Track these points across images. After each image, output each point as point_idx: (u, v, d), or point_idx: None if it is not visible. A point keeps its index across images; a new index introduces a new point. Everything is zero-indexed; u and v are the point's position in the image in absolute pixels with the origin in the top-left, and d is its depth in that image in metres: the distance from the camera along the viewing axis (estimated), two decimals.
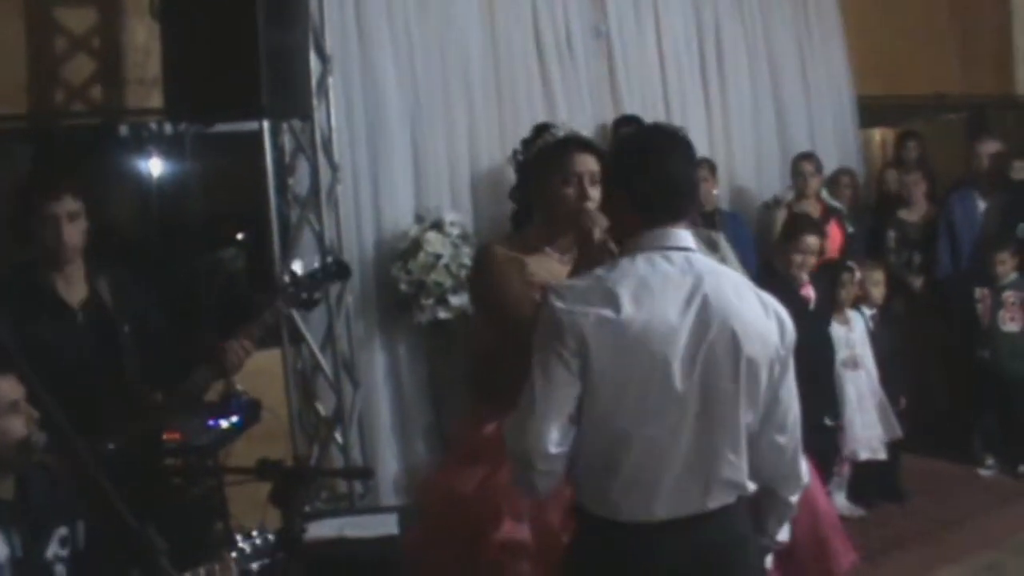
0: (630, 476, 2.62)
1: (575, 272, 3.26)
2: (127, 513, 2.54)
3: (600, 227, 3.25)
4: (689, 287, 2.62)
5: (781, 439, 2.77)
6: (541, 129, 3.88)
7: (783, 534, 2.96)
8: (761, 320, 2.69)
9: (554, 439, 2.59)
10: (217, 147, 6.09)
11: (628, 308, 2.56)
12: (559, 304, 2.60)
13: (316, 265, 4.06)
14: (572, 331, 2.57)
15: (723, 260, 3.80)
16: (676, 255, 2.68)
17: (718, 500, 2.69)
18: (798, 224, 6.36)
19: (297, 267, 4.08)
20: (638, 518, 2.65)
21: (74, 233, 3.87)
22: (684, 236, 2.73)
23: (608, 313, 2.56)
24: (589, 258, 3.22)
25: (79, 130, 5.81)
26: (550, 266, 3.57)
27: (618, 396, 2.58)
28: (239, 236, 6.83)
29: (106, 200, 6.21)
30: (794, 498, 2.89)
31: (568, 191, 3.50)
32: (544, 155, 3.63)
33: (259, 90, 4.82)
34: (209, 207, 6.53)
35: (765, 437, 2.75)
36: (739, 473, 2.71)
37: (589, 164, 3.51)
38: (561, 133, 3.66)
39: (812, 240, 6.19)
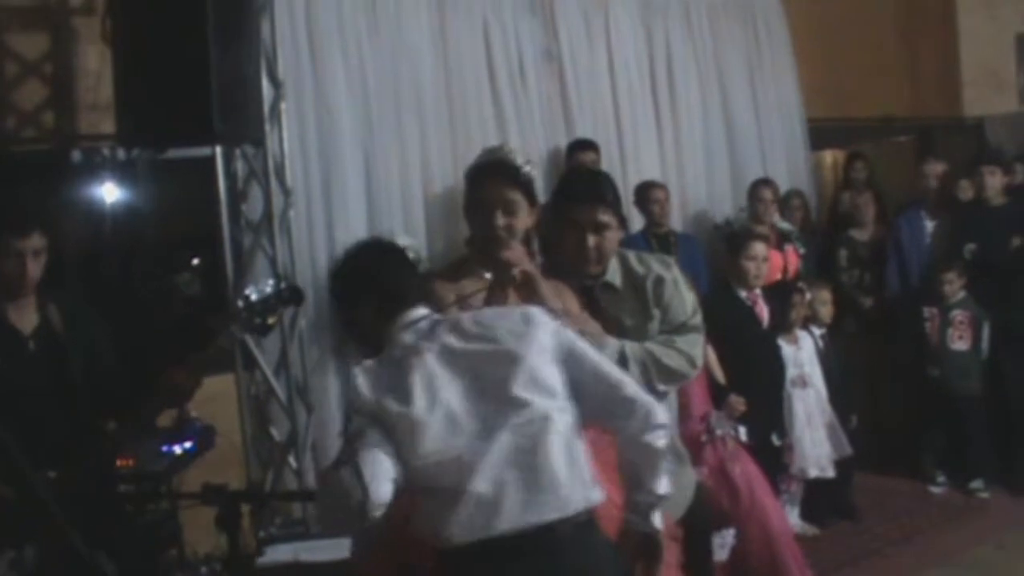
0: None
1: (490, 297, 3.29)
2: (77, 539, 2.54)
3: (515, 259, 3.30)
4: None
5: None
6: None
7: (663, 486, 2.96)
8: None
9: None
10: (170, 173, 6.07)
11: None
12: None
13: (269, 290, 4.05)
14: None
15: (675, 281, 3.81)
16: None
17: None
18: (743, 235, 6.44)
19: (251, 292, 4.08)
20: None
21: (37, 268, 3.91)
22: (419, 309, 2.99)
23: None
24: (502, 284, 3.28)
25: (31, 156, 5.79)
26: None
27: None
28: (194, 261, 6.81)
29: (59, 226, 6.18)
30: (652, 439, 2.91)
31: (479, 218, 3.48)
32: (466, 180, 3.63)
33: (211, 116, 4.82)
34: (163, 233, 6.50)
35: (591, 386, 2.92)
36: None
37: (500, 192, 3.44)
38: (499, 155, 3.62)
39: (760, 247, 6.27)
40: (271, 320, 4.14)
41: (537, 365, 2.84)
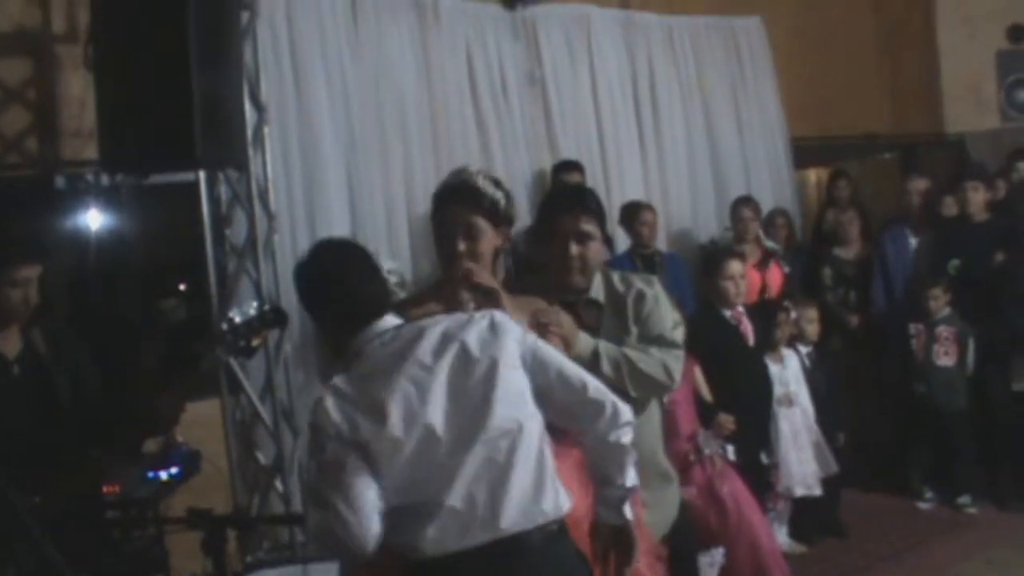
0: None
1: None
2: (60, 564, 2.54)
3: (475, 278, 3.30)
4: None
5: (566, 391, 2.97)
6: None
7: (631, 478, 3.01)
8: None
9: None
10: (154, 198, 6.09)
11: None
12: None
13: (253, 312, 4.05)
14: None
15: (656, 297, 3.81)
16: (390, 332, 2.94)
17: None
18: (718, 255, 6.44)
19: (235, 314, 4.07)
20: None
21: (35, 295, 3.92)
22: (388, 319, 2.97)
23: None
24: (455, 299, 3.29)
25: (15, 182, 5.78)
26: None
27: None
28: (181, 287, 6.81)
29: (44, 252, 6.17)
30: (618, 436, 2.96)
31: (443, 244, 3.44)
32: (431, 205, 3.58)
33: (194, 141, 4.81)
34: (148, 258, 6.51)
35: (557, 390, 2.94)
36: None
37: (461, 217, 3.39)
38: (461, 178, 3.58)
39: (736, 265, 6.25)
40: (255, 342, 4.14)
41: (507, 373, 2.85)
